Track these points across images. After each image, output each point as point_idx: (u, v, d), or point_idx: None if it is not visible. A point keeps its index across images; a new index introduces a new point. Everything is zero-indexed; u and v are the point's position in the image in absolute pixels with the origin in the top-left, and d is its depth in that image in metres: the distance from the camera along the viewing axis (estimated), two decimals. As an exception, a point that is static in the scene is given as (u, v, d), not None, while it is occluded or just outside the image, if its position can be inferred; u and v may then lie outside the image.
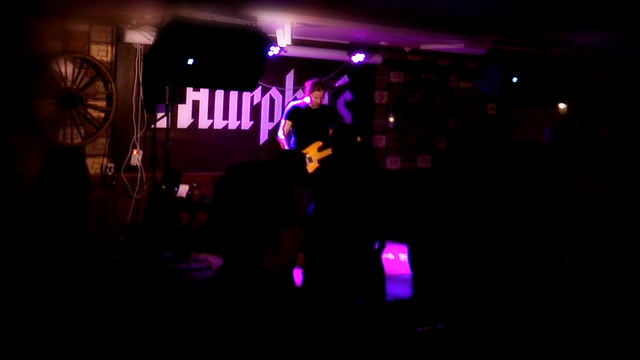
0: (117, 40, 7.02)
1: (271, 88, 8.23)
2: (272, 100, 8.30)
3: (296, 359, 1.49)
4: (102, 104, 7.07)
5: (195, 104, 7.76)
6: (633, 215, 2.93)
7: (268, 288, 1.57)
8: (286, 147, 7.49)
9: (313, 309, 1.57)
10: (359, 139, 7.64)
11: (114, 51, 7.08)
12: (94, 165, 7.09)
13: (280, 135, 7.55)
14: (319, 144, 7.46)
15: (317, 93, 7.36)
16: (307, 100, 7.47)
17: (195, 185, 7.07)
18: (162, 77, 6.05)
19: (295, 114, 7.47)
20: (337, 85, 8.68)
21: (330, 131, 7.63)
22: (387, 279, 5.02)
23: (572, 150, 3.40)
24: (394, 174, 9.10)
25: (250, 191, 1.58)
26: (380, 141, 9.21)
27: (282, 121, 7.59)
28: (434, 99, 9.55)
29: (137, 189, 7.28)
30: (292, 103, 7.66)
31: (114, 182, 7.13)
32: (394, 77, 9.23)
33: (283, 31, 6.27)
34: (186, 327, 1.57)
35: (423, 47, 8.19)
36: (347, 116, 8.75)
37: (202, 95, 7.78)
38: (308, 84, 7.48)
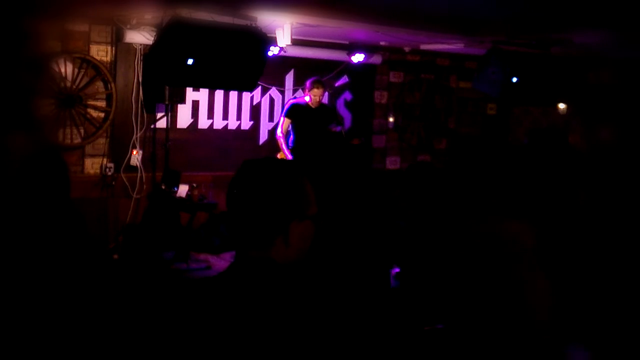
0: (117, 40, 7.02)
1: (271, 88, 8.23)
2: (271, 100, 8.30)
3: (294, 350, 1.51)
4: (102, 104, 7.07)
5: (195, 104, 7.76)
6: (631, 216, 2.93)
7: (273, 278, 1.61)
8: (284, 146, 7.47)
9: (316, 302, 1.59)
10: (357, 141, 7.67)
11: (114, 51, 7.08)
12: (94, 165, 7.09)
13: (279, 133, 7.53)
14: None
15: (316, 91, 7.34)
16: (307, 98, 7.47)
17: (195, 185, 7.07)
18: (162, 77, 6.06)
19: (294, 112, 7.45)
20: (337, 85, 8.68)
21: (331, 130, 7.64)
22: None
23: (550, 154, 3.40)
24: (394, 174, 9.11)
25: (261, 181, 1.65)
26: (380, 141, 9.21)
27: (281, 119, 7.57)
28: (434, 99, 9.55)
29: (137, 189, 7.28)
30: (292, 101, 7.66)
31: (113, 182, 7.13)
32: (394, 77, 9.23)
33: (283, 31, 6.27)
34: (192, 319, 1.60)
35: (423, 47, 8.20)
36: (347, 116, 8.75)
37: (202, 95, 7.78)
38: (308, 82, 7.48)
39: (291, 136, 7.52)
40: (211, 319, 1.58)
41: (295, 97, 8.04)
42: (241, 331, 1.54)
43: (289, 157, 7.35)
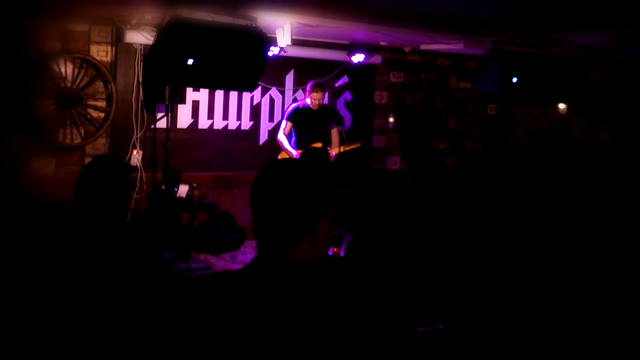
0: (117, 40, 7.02)
1: (271, 88, 8.23)
2: (272, 101, 8.30)
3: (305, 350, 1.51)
4: (102, 104, 7.07)
5: (195, 104, 7.76)
6: (631, 214, 2.92)
7: (296, 278, 1.62)
8: (286, 145, 7.47)
9: (335, 301, 1.59)
10: (359, 144, 7.65)
11: (114, 51, 7.08)
12: (94, 165, 7.08)
13: (280, 136, 7.52)
14: (319, 145, 7.45)
15: (315, 94, 7.34)
16: (307, 101, 7.47)
17: (195, 185, 7.07)
18: (162, 77, 6.05)
19: (296, 115, 7.47)
20: (337, 85, 8.68)
21: (332, 131, 7.62)
22: None
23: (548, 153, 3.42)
24: (394, 174, 9.11)
25: (290, 179, 1.66)
26: (380, 141, 9.21)
27: (283, 122, 7.58)
28: (434, 99, 9.55)
29: (137, 189, 7.28)
30: (293, 105, 7.66)
31: (114, 182, 7.12)
32: (394, 77, 9.23)
33: (283, 31, 6.27)
34: (209, 316, 1.60)
35: (423, 47, 8.19)
36: (347, 116, 8.75)
37: (202, 95, 7.78)
38: (308, 85, 7.49)
39: (293, 137, 7.52)
40: (231, 316, 1.58)
41: (295, 100, 8.04)
42: (259, 329, 1.54)
43: (294, 155, 7.37)
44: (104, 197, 2.85)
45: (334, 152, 7.52)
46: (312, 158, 4.63)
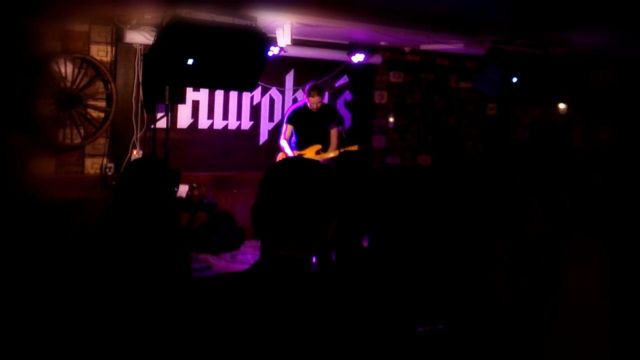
0: (117, 40, 7.02)
1: (271, 88, 8.23)
2: (272, 101, 8.30)
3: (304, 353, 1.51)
4: (102, 104, 7.07)
5: (195, 104, 7.76)
6: (633, 213, 2.93)
7: (304, 280, 1.61)
8: (287, 151, 7.42)
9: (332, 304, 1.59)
10: (357, 147, 7.62)
11: (114, 51, 7.08)
12: (94, 165, 7.09)
13: (282, 141, 7.46)
14: (318, 147, 7.42)
15: (312, 99, 7.28)
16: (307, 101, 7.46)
17: (195, 185, 7.07)
18: (162, 77, 6.05)
19: (295, 118, 7.42)
20: (337, 85, 8.68)
21: (332, 131, 7.60)
22: None
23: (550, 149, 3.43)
24: (393, 170, 9.11)
25: (306, 181, 1.63)
26: (380, 141, 9.21)
27: (283, 126, 7.53)
28: (434, 99, 9.55)
29: (137, 189, 7.27)
30: (292, 106, 7.63)
31: (113, 182, 7.13)
32: (394, 77, 9.23)
33: (283, 31, 6.27)
34: (214, 318, 1.59)
35: (423, 47, 8.19)
36: (347, 116, 8.75)
37: (202, 95, 7.78)
38: (306, 88, 7.45)
39: (293, 137, 7.49)
40: (240, 319, 1.56)
41: (297, 101, 8.02)
42: (270, 331, 1.53)
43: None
44: (145, 198, 2.82)
45: (332, 154, 7.47)
46: (348, 162, 4.60)
